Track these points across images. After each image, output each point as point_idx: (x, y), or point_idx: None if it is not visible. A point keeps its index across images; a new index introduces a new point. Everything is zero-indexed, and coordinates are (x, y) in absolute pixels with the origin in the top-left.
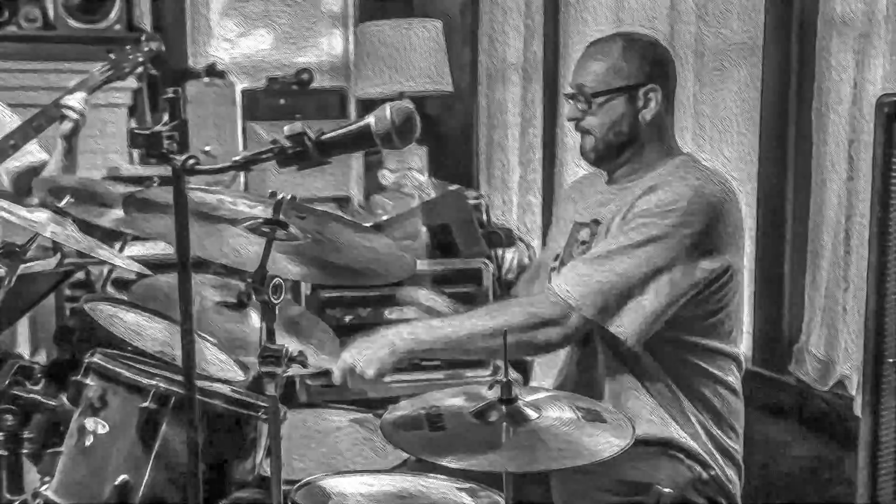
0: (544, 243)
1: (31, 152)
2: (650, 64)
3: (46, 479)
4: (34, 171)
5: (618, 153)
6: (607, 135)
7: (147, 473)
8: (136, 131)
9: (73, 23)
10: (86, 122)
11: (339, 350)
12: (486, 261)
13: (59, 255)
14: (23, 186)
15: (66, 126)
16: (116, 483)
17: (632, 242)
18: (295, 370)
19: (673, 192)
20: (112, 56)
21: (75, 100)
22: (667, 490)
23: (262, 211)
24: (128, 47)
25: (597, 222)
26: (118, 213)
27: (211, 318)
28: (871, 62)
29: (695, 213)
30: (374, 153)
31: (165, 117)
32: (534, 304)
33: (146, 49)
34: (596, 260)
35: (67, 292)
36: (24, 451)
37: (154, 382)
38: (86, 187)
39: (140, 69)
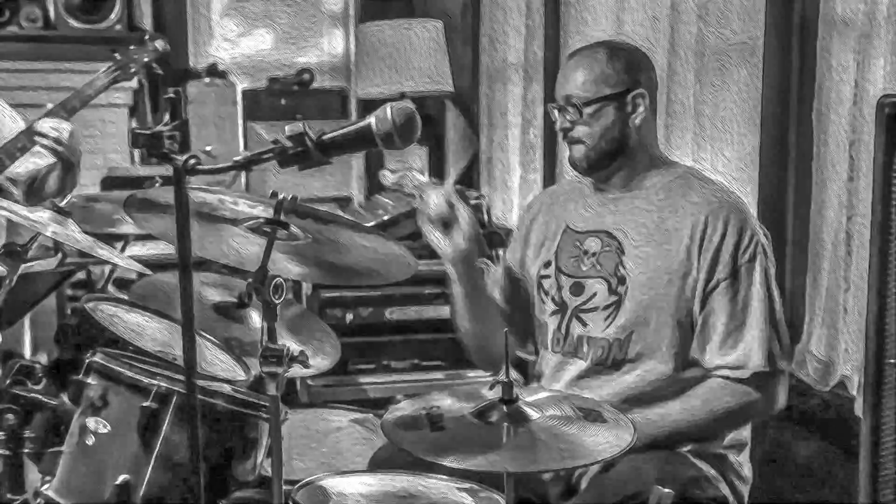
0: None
1: (39, 153)
2: (636, 70)
3: (47, 478)
4: (40, 175)
5: (609, 161)
6: (599, 143)
7: (148, 473)
8: (137, 131)
9: (73, 23)
10: (70, 144)
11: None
12: (487, 261)
13: (60, 255)
14: (30, 192)
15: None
16: (117, 482)
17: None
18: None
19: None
20: (117, 56)
21: (48, 125)
22: (667, 490)
23: (262, 211)
24: (132, 47)
25: (610, 235)
26: None
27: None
28: (871, 63)
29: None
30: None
31: (166, 117)
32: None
33: (151, 48)
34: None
35: (68, 292)
36: (26, 450)
37: (155, 382)
38: None
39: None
